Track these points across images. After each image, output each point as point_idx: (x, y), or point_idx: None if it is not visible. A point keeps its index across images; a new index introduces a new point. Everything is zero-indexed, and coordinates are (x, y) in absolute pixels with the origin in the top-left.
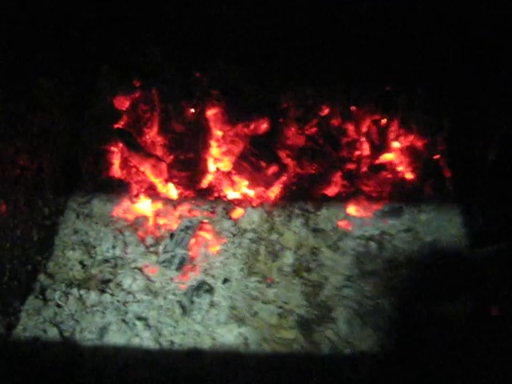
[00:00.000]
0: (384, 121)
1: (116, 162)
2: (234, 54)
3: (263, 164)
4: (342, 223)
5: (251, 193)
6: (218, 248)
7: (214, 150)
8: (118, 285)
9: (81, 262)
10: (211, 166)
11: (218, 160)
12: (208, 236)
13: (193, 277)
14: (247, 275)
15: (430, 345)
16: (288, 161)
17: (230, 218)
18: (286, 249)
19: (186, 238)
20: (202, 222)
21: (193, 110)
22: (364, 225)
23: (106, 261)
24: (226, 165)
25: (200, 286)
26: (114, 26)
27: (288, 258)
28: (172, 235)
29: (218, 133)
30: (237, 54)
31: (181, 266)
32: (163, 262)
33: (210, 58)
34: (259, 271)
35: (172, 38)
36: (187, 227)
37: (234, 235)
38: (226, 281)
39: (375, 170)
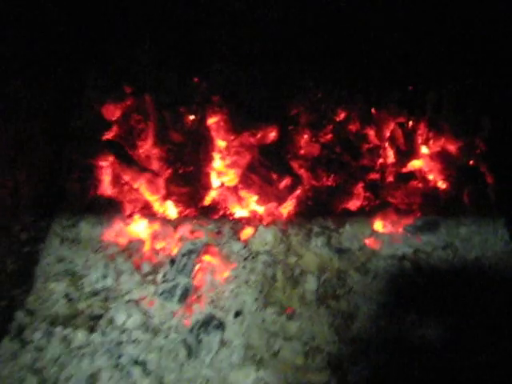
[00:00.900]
0: (410, 123)
1: (106, 178)
2: (236, 55)
3: (274, 176)
4: (369, 241)
5: (261, 209)
6: (226, 274)
7: (218, 162)
8: (110, 321)
9: (66, 296)
10: (215, 180)
11: (222, 173)
12: (214, 261)
13: (198, 310)
14: (263, 306)
15: None
16: (302, 172)
17: (239, 239)
18: (307, 273)
19: (189, 263)
20: (206, 245)
21: (192, 117)
22: (394, 242)
23: (96, 293)
24: (231, 179)
25: (208, 320)
26: (102, 25)
27: (310, 284)
28: (172, 261)
29: (221, 143)
30: (239, 55)
31: (184, 297)
32: (163, 293)
33: (209, 60)
34: (277, 301)
35: (167, 39)
36: (190, 251)
37: (244, 259)
38: (238, 314)
39: (402, 179)
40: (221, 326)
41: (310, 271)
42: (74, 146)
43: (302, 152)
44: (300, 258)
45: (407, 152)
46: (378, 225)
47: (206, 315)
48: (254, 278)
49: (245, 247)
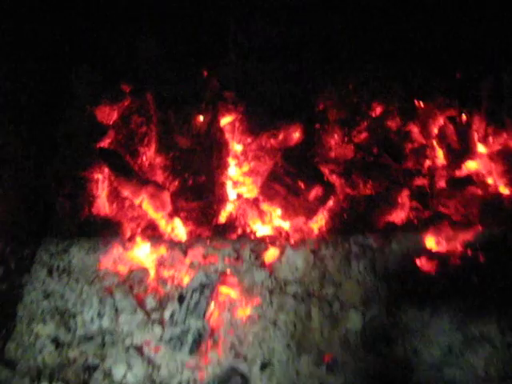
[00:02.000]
0: (463, 117)
1: (102, 193)
2: (250, 44)
3: (301, 185)
4: (421, 262)
5: (287, 225)
6: (249, 312)
7: (233, 169)
8: (107, 374)
9: (54, 340)
10: (231, 191)
11: (238, 183)
12: (233, 294)
13: (215, 359)
14: (296, 354)
15: None
16: (334, 179)
17: (263, 266)
18: (348, 308)
19: (202, 301)
20: (223, 274)
21: (201, 118)
22: (451, 263)
23: (90, 337)
24: (250, 189)
25: (227, 375)
26: (95, 13)
27: (354, 323)
28: (181, 298)
29: (237, 147)
30: (255, 43)
31: (197, 344)
32: (171, 339)
33: (221, 50)
34: (313, 346)
35: (171, 27)
36: (202, 286)
37: (270, 291)
38: (265, 365)
39: (456, 184)
40: (245, 380)
41: (352, 305)
42: (63, 156)
43: (333, 154)
44: (339, 288)
45: (461, 152)
46: (431, 241)
47: (225, 367)
48: (284, 318)
49: (270, 275)
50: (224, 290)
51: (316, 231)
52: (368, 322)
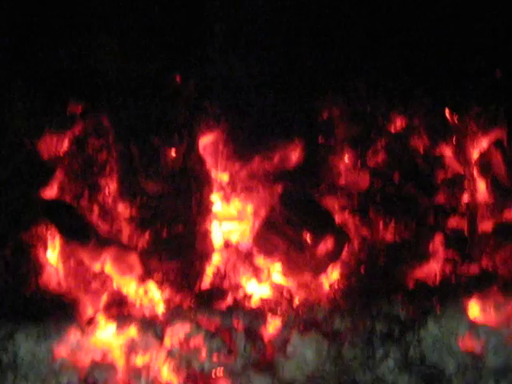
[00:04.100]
0: None
1: (51, 259)
2: (235, 37)
3: (307, 237)
4: (465, 343)
5: (290, 283)
6: None
7: (219, 206)
8: None
9: None
10: (216, 237)
11: (225, 225)
12: None
13: None
14: None
15: None
16: (345, 218)
17: (263, 362)
18: None
19: None
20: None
21: (174, 153)
22: (504, 344)
23: None
24: (242, 233)
25: None
26: (31, 8)
27: None
28: None
29: (222, 176)
30: (241, 37)
31: None
32: None
33: (198, 48)
34: None
35: (134, 20)
36: None
37: None
38: None
39: (505, 231)
40: None
41: None
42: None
43: (343, 182)
44: None
45: (511, 188)
46: (475, 309)
47: None
48: None
49: (272, 381)
50: None
51: (327, 290)
52: None
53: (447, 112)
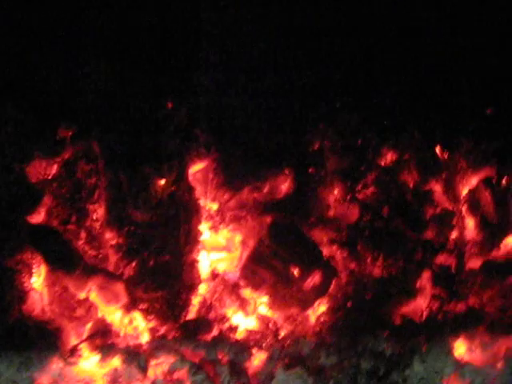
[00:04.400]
0: (504, 180)
1: (35, 285)
2: (227, 65)
3: (294, 271)
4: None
5: (276, 316)
6: None
7: (207, 235)
8: None
9: None
10: (203, 268)
11: (213, 256)
12: None
13: None
14: None
15: None
16: (333, 251)
17: None
18: None
19: None
20: None
21: (163, 182)
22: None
23: None
24: (229, 264)
25: None
26: (20, 30)
27: None
28: None
29: (211, 205)
30: (232, 66)
31: None
32: None
33: (188, 74)
34: None
35: (125, 45)
36: None
37: None
38: None
39: (493, 269)
40: None
41: None
42: None
43: (332, 214)
44: None
45: (499, 226)
46: (461, 348)
47: None
48: None
49: None
50: None
51: (313, 324)
52: None
53: (438, 148)
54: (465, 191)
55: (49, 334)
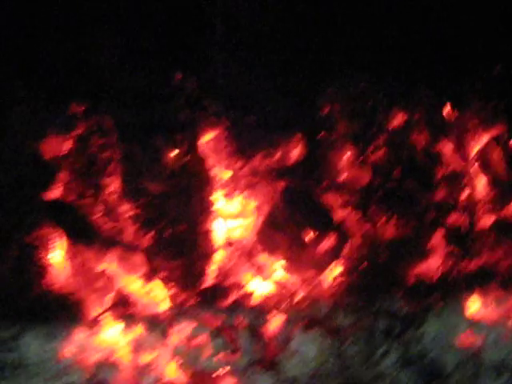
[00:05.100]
0: None
1: (55, 259)
2: (236, 34)
3: (310, 235)
4: (463, 340)
5: (292, 280)
6: None
7: (221, 203)
8: None
9: None
10: (219, 236)
11: (228, 223)
12: None
13: None
14: None
15: None
16: (347, 214)
17: (267, 360)
18: None
19: None
20: (215, 382)
21: (176, 152)
22: (503, 340)
23: None
24: (244, 230)
25: None
26: (33, 10)
27: None
28: None
29: (225, 174)
30: (242, 33)
31: None
32: None
33: (197, 45)
34: None
35: (133, 22)
36: None
37: None
38: None
39: (506, 228)
40: None
41: None
42: (2, 216)
43: (344, 177)
44: None
45: (511, 183)
46: (475, 305)
47: None
48: None
49: (277, 378)
50: None
51: (329, 286)
52: None
53: (448, 108)
54: (475, 150)
55: (71, 306)
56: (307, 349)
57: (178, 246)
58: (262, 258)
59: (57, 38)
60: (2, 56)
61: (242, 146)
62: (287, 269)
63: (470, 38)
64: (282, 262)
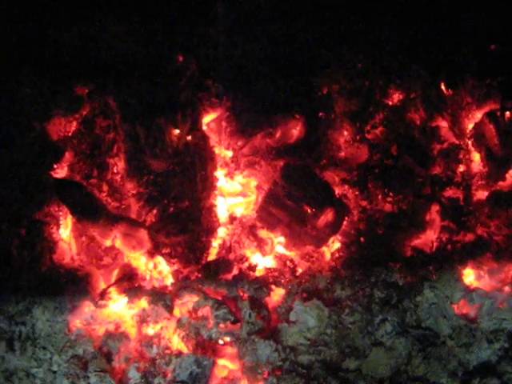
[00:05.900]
0: (508, 113)
1: (64, 235)
2: (236, 16)
3: (308, 210)
4: (460, 308)
5: (293, 253)
6: None
7: (223, 181)
8: None
9: None
10: (222, 212)
11: (230, 201)
12: (233, 367)
13: None
14: None
15: None
16: (345, 190)
17: (267, 330)
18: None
19: None
20: (217, 352)
21: (177, 132)
22: (497, 307)
23: None
24: (246, 208)
25: None
26: None
27: None
28: None
29: (226, 153)
30: (242, 15)
31: None
32: None
33: (198, 26)
34: None
35: (135, 5)
36: (194, 377)
37: (277, 370)
38: None
39: (500, 200)
40: None
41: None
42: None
43: (343, 155)
44: (362, 361)
45: (504, 158)
46: (470, 276)
47: None
48: None
49: (276, 346)
50: (221, 373)
51: (328, 260)
52: None
53: (443, 85)
54: (470, 126)
55: (79, 280)
56: (306, 319)
57: (181, 221)
58: (263, 233)
59: (61, 22)
60: (9, 40)
61: (242, 126)
62: (287, 244)
63: (464, 17)
64: (283, 237)
